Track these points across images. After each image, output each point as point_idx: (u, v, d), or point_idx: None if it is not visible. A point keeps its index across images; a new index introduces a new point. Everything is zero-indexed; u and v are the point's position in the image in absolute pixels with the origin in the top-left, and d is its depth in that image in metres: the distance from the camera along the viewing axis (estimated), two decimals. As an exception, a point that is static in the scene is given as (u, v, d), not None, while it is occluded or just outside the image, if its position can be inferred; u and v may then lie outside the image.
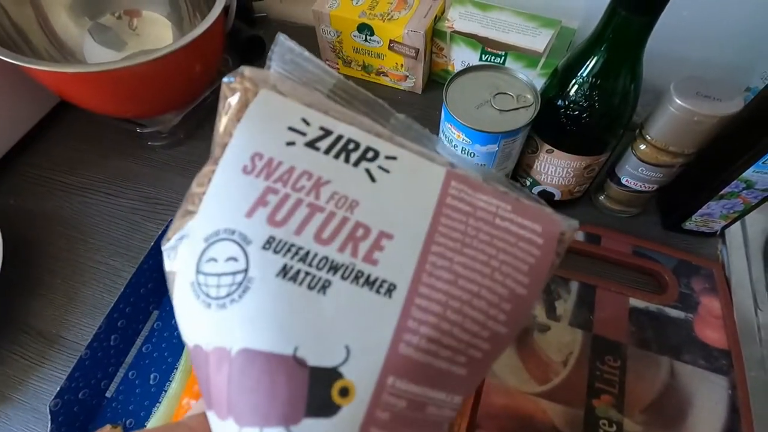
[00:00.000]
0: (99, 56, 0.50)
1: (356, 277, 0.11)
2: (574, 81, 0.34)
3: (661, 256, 0.41)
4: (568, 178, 0.40)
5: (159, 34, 0.53)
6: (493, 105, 0.37)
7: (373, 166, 0.13)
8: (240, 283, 0.11)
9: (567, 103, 0.35)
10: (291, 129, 0.13)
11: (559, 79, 0.36)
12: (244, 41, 0.57)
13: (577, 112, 0.35)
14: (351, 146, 0.13)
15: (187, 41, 0.40)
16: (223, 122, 0.14)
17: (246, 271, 0.11)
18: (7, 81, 0.46)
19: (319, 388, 0.10)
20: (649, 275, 0.41)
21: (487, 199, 0.13)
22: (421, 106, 0.54)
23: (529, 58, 0.46)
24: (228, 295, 0.11)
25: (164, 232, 0.39)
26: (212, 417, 0.11)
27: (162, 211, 0.47)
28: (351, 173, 0.13)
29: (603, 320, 0.38)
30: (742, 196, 0.37)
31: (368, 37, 0.51)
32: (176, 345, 0.38)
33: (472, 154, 0.38)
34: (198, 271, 0.12)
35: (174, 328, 0.39)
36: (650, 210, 0.45)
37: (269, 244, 0.12)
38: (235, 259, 0.12)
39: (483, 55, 0.49)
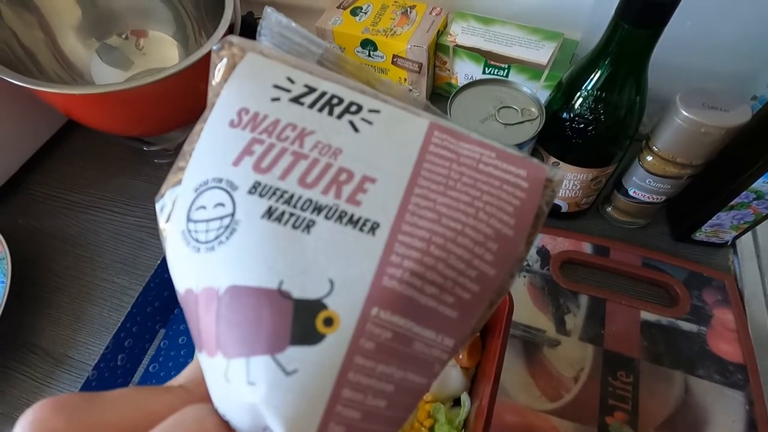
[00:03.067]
0: (106, 76, 0.51)
1: (340, 217, 0.12)
2: (578, 94, 0.34)
3: (671, 268, 0.41)
4: (574, 191, 0.40)
5: (165, 53, 0.53)
6: (498, 119, 0.37)
7: (356, 118, 0.13)
8: (227, 226, 0.12)
9: (572, 115, 0.35)
10: (276, 86, 0.14)
11: (564, 91, 0.36)
12: (249, 58, 0.58)
13: (582, 125, 0.35)
14: (335, 101, 0.14)
15: (192, 61, 0.40)
16: (212, 87, 0.14)
17: (233, 214, 0.12)
18: (16, 102, 0.47)
19: (304, 319, 0.11)
20: (660, 287, 0.40)
21: (471, 147, 0.14)
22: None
23: (532, 70, 0.46)
24: (216, 238, 0.12)
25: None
26: (203, 358, 0.12)
27: (168, 228, 0.47)
28: (334, 124, 0.13)
29: (614, 334, 0.37)
30: (752, 207, 0.36)
31: (372, 53, 0.51)
32: (183, 364, 0.38)
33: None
34: (188, 220, 0.13)
35: (181, 347, 0.39)
36: (659, 221, 0.44)
37: (255, 188, 0.12)
38: (222, 205, 0.12)
39: (486, 68, 0.49)
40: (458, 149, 0.14)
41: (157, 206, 0.14)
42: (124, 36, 0.52)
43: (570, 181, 0.39)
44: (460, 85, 0.39)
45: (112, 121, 0.45)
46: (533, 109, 0.37)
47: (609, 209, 0.44)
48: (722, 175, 0.36)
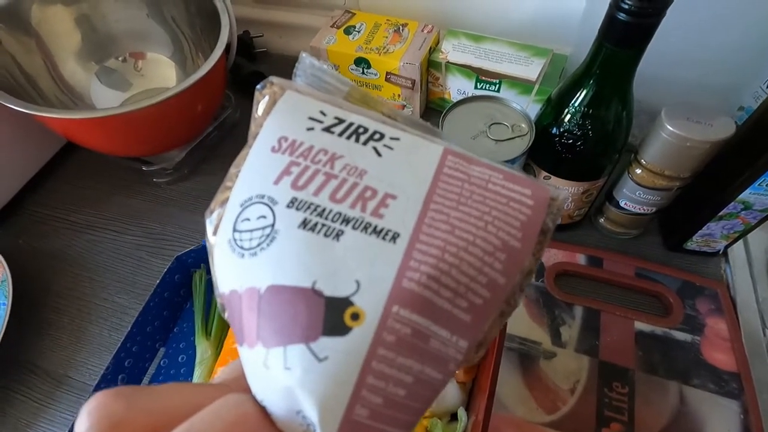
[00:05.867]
0: (106, 98, 0.52)
1: (365, 228, 0.14)
2: (566, 110, 0.35)
3: (664, 278, 0.41)
4: (566, 203, 0.41)
5: (163, 74, 0.54)
6: (489, 135, 0.38)
7: (379, 145, 0.15)
8: (268, 235, 0.14)
9: (561, 131, 0.35)
10: (310, 118, 0.16)
11: (553, 107, 0.36)
12: (246, 76, 0.59)
13: (571, 141, 0.35)
14: (361, 130, 0.15)
15: (190, 83, 0.41)
16: (255, 119, 0.17)
17: (273, 225, 0.14)
18: (17, 126, 0.47)
19: (334, 314, 0.13)
20: (654, 297, 0.41)
21: (481, 169, 0.15)
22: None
23: (523, 85, 0.47)
24: (258, 245, 0.14)
25: (170, 268, 0.40)
26: (243, 350, 0.13)
27: (168, 246, 0.47)
28: (360, 150, 0.15)
29: (609, 345, 0.38)
30: (741, 217, 0.37)
31: (365, 70, 0.52)
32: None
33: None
34: (234, 230, 0.14)
35: (180, 365, 0.39)
36: (652, 231, 0.45)
37: (292, 203, 0.14)
38: (264, 217, 0.14)
39: (478, 84, 0.50)
40: (469, 171, 0.15)
41: (207, 221, 0.16)
42: (122, 59, 0.53)
43: (562, 194, 0.40)
44: (454, 100, 0.40)
45: (111, 143, 0.45)
46: (523, 125, 0.38)
47: (602, 220, 0.45)
48: (710, 187, 0.37)
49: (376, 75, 0.52)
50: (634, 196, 0.39)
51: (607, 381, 0.36)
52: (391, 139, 0.15)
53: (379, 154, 0.15)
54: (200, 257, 0.42)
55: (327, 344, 0.12)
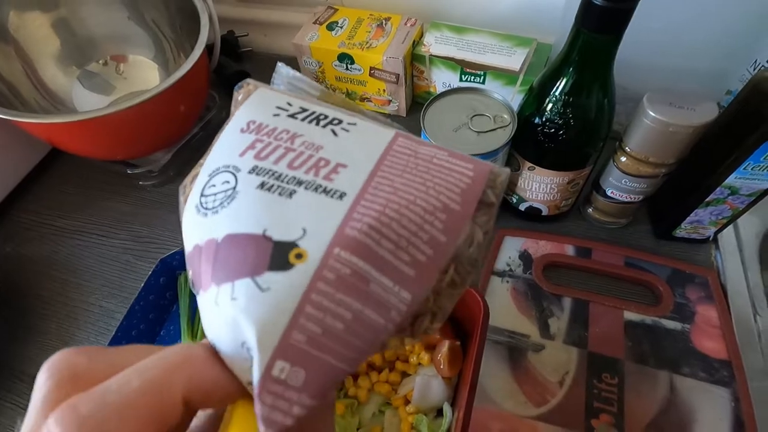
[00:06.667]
0: (88, 102, 0.52)
1: (316, 188, 0.15)
2: (548, 99, 0.34)
3: (654, 267, 0.41)
4: (552, 194, 0.40)
5: (145, 76, 0.54)
6: (471, 127, 0.37)
7: (337, 128, 0.17)
8: (229, 195, 0.15)
9: (543, 120, 0.35)
10: (278, 107, 0.18)
11: (535, 97, 0.36)
12: (231, 76, 0.59)
13: (553, 130, 0.35)
14: (321, 116, 0.17)
15: (170, 83, 0.41)
16: (232, 113, 0.18)
17: (234, 187, 0.15)
18: (0, 134, 0.47)
19: (280, 254, 0.14)
20: (643, 286, 0.40)
21: (428, 148, 0.17)
22: (406, 128, 0.54)
23: (508, 76, 0.47)
24: (220, 204, 0.15)
25: (154, 271, 0.39)
26: (200, 298, 0.15)
27: (154, 249, 0.47)
28: (319, 131, 0.17)
29: (598, 336, 0.37)
30: (728, 202, 0.36)
31: (349, 66, 0.51)
32: (170, 385, 0.38)
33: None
34: (201, 195, 0.16)
35: (167, 368, 0.39)
36: (641, 219, 0.45)
37: (253, 170, 0.16)
38: (228, 182, 0.16)
39: (463, 76, 0.49)
40: (417, 149, 0.17)
41: (180, 193, 0.17)
42: (103, 62, 0.53)
43: (547, 185, 0.39)
44: (437, 94, 0.39)
45: (94, 146, 0.45)
46: (505, 116, 0.38)
47: (590, 210, 0.44)
48: (696, 172, 0.37)
49: (360, 70, 0.51)
50: (620, 185, 0.39)
51: (597, 372, 0.36)
52: (349, 123, 0.17)
53: (335, 135, 0.17)
54: (185, 259, 0.41)
55: (270, 277, 0.14)
